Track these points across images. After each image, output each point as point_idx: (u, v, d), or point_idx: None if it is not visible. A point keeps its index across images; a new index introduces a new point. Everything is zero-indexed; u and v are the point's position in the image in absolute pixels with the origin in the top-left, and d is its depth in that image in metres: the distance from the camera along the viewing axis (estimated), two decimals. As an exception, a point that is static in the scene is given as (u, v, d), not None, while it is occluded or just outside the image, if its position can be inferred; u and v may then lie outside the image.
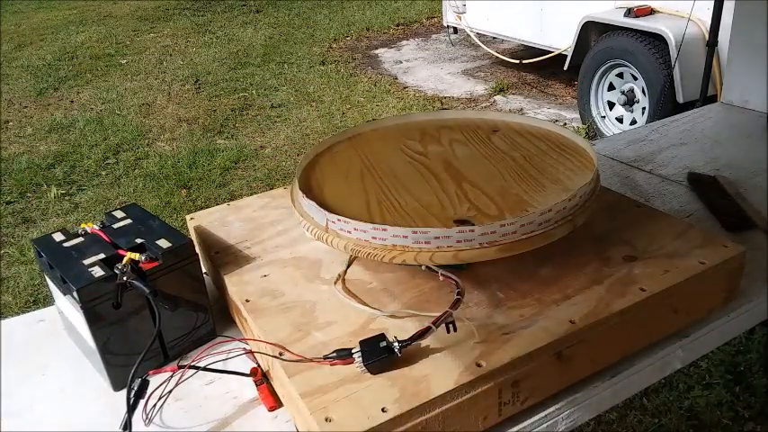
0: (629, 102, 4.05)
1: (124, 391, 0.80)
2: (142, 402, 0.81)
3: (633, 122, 4.06)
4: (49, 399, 0.92)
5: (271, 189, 1.47)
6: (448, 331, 0.81)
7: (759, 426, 1.87)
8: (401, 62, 6.40)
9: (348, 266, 1.02)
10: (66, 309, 0.96)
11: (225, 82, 5.84)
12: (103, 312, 0.86)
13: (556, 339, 0.82)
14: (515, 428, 0.82)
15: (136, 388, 0.79)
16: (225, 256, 1.07)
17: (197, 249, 0.98)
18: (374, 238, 0.89)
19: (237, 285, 0.99)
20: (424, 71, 6.04)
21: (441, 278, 0.90)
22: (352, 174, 1.12)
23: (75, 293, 0.83)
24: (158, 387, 0.85)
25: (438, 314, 0.82)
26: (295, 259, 1.05)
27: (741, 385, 2.00)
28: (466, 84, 5.61)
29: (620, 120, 4.17)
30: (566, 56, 4.50)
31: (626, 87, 4.06)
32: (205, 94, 5.57)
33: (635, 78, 3.97)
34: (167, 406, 0.86)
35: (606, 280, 0.92)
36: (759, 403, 1.93)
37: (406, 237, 0.87)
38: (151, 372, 0.83)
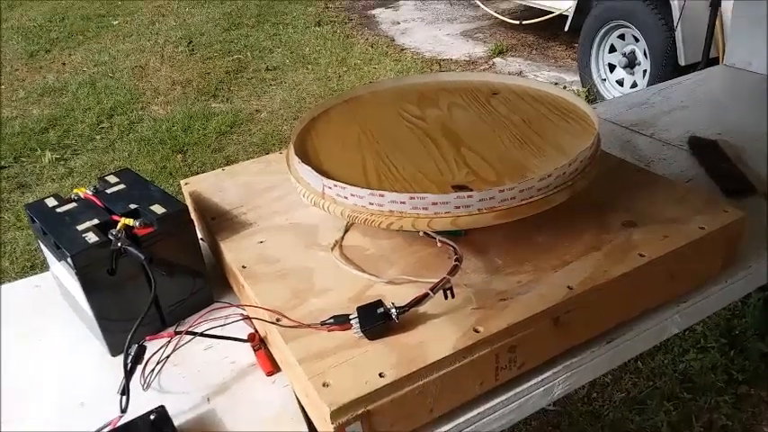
0: (630, 64, 3.99)
1: (121, 357, 0.80)
2: (140, 368, 0.81)
3: (634, 85, 4.00)
4: (47, 364, 0.92)
5: (267, 154, 1.45)
6: (446, 297, 0.81)
7: (752, 389, 1.90)
8: (399, 23, 6.27)
9: (345, 233, 1.01)
10: (61, 275, 0.95)
11: (219, 44, 5.73)
12: (98, 278, 0.85)
13: (553, 305, 0.82)
14: (512, 393, 0.83)
15: (133, 353, 0.79)
16: (221, 222, 1.06)
17: (192, 215, 0.97)
18: (371, 203, 0.88)
19: (234, 251, 0.98)
20: (423, 32, 5.93)
21: (438, 244, 0.89)
22: (349, 138, 1.10)
23: (69, 259, 0.82)
24: (156, 352, 0.85)
25: (436, 280, 0.81)
26: (291, 225, 1.05)
27: (735, 349, 2.02)
28: (464, 45, 5.51)
29: (620, 83, 4.11)
30: (566, 17, 4.41)
31: (627, 49, 4.00)
32: (199, 56, 5.47)
33: (636, 40, 3.90)
34: (165, 371, 0.87)
35: (605, 246, 0.92)
36: (753, 366, 1.96)
37: (403, 203, 0.86)
38: (148, 337, 0.83)
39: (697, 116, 1.56)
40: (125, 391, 0.77)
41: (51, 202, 0.96)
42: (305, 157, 1.02)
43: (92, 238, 0.85)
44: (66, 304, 1.02)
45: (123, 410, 0.76)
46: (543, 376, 0.85)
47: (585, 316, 0.86)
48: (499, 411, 0.82)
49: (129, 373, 0.78)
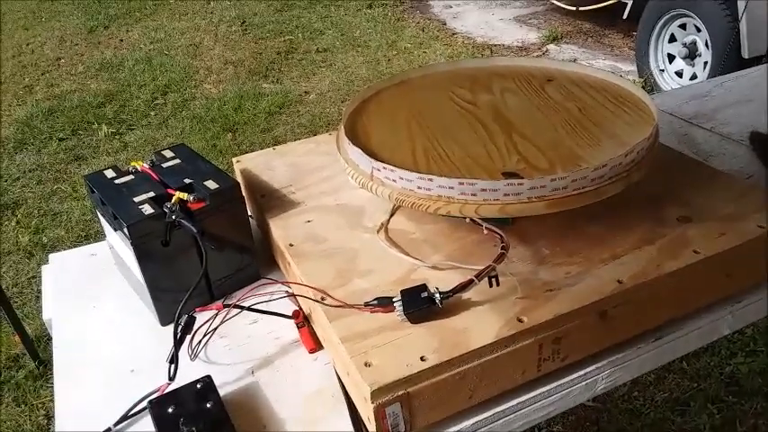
0: (691, 55, 3.84)
1: (171, 327, 0.82)
2: (188, 338, 0.84)
3: (693, 77, 3.85)
4: (100, 330, 0.95)
5: (314, 135, 1.46)
6: (490, 285, 0.80)
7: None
8: (451, 6, 6.19)
9: (391, 216, 1.01)
10: (116, 244, 0.99)
11: (271, 24, 5.78)
12: (152, 249, 0.88)
13: (601, 299, 0.80)
14: (554, 384, 0.82)
15: (183, 324, 0.82)
16: (270, 200, 1.08)
17: (243, 192, 0.98)
18: (419, 187, 0.87)
19: (282, 229, 1.00)
20: (475, 17, 5.84)
21: (485, 232, 0.88)
22: (399, 121, 1.09)
23: (125, 229, 0.85)
24: (203, 324, 0.87)
25: (480, 268, 0.81)
26: (338, 206, 1.05)
27: (787, 354, 1.95)
28: (518, 31, 5.40)
29: (679, 74, 3.97)
30: (625, 4, 4.27)
31: (688, 39, 3.85)
32: (251, 36, 5.53)
33: (698, 30, 3.74)
34: (212, 343, 0.89)
35: (658, 240, 0.89)
36: (804, 373, 1.89)
37: (452, 188, 0.85)
38: (197, 309, 0.85)
39: (760, 111, 1.49)
40: (174, 359, 0.80)
41: (110, 173, 0.99)
42: (355, 138, 1.02)
43: (147, 209, 0.87)
44: (120, 273, 1.05)
45: (171, 378, 0.79)
46: (586, 370, 0.84)
47: (634, 311, 0.84)
48: (539, 402, 0.82)
49: (178, 343, 0.81)
